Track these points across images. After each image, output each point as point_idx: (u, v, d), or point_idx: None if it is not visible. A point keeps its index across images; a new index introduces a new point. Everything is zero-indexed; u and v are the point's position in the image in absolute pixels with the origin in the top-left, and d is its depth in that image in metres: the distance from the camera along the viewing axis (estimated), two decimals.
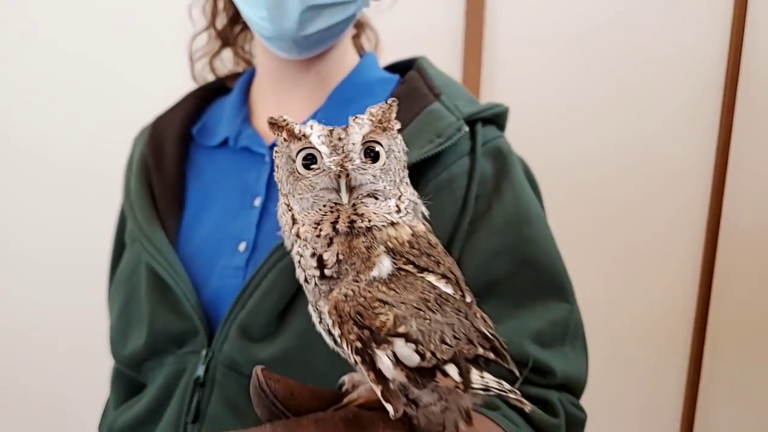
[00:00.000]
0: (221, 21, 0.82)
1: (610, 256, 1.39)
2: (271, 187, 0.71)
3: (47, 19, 1.34)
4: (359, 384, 0.44)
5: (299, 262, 0.42)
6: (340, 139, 0.41)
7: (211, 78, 0.88)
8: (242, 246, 0.69)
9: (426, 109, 0.67)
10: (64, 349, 1.45)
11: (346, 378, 0.45)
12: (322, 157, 0.41)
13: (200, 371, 0.65)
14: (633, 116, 1.32)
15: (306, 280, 0.42)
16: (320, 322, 0.42)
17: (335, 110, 0.72)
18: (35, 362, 1.48)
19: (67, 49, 1.34)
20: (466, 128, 0.66)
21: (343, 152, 0.40)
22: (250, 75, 0.83)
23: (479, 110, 0.69)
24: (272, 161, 0.72)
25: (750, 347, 1.40)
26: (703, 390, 1.43)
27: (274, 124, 0.43)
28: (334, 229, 0.40)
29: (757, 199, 1.32)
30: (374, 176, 0.41)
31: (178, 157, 0.78)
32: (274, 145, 0.73)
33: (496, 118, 0.72)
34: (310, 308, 0.44)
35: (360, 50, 0.84)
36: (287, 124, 0.43)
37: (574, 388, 0.67)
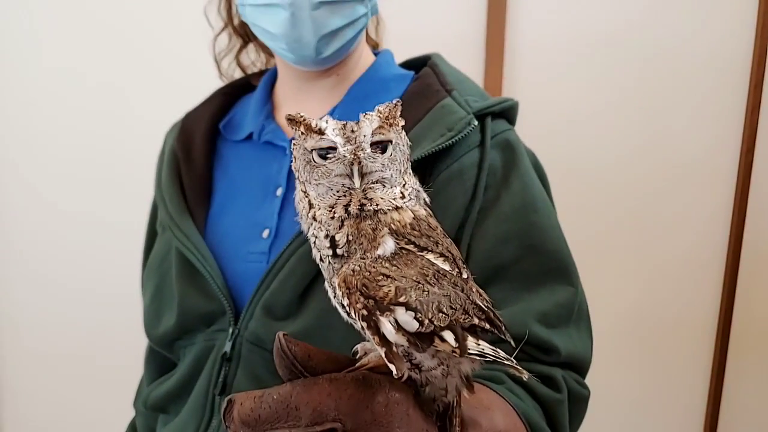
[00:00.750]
0: (238, 19, 0.87)
1: (632, 257, 1.38)
2: (291, 177, 0.76)
3: (83, 21, 1.40)
4: (370, 351, 0.49)
5: (314, 243, 0.47)
6: (352, 131, 0.46)
7: (239, 74, 0.93)
8: (265, 233, 0.74)
9: (438, 104, 0.72)
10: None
11: (359, 346, 0.50)
12: (336, 148, 0.45)
13: (227, 347, 0.70)
14: (655, 118, 1.32)
15: (321, 259, 0.47)
16: (334, 296, 0.47)
17: (352, 106, 0.77)
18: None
19: (98, 56, 1.40)
20: (476, 122, 0.70)
21: (355, 143, 0.45)
22: (273, 73, 0.88)
23: (489, 105, 0.73)
24: (292, 153, 0.78)
25: None
26: (727, 392, 1.42)
27: (292, 120, 0.48)
28: (347, 211, 0.45)
29: None
30: (382, 165, 0.46)
31: (207, 150, 0.84)
32: (294, 138, 0.78)
33: (506, 112, 0.76)
34: (326, 285, 0.48)
35: (372, 45, 0.89)
36: (304, 120, 0.48)
37: (579, 366, 0.70)
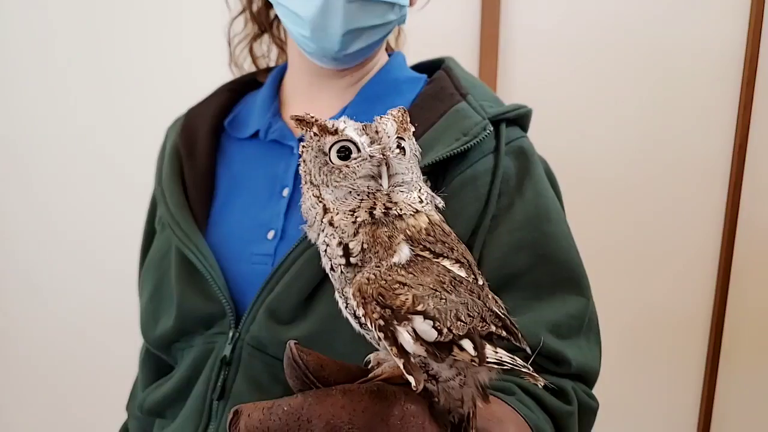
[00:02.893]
0: (257, 5, 0.85)
1: (626, 253, 1.39)
2: (298, 178, 0.74)
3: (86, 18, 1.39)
4: (383, 362, 0.47)
5: (325, 251, 0.45)
6: (377, 132, 0.44)
7: (248, 64, 0.91)
8: (270, 234, 0.72)
9: (453, 108, 0.70)
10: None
11: (372, 356, 0.48)
12: (359, 149, 0.44)
13: (227, 351, 0.68)
14: (649, 114, 1.33)
15: (332, 269, 0.45)
16: (346, 307, 0.45)
17: (363, 107, 0.75)
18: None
19: (93, 52, 1.38)
20: (491, 128, 0.69)
21: (381, 143, 0.43)
22: (281, 70, 0.86)
23: (504, 111, 0.72)
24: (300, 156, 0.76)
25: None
26: (720, 389, 1.43)
27: (301, 121, 0.46)
28: (371, 214, 0.43)
29: None
30: (406, 168, 0.45)
31: (210, 147, 0.82)
32: (302, 138, 0.76)
33: (520, 119, 0.75)
34: (336, 295, 0.47)
35: (387, 48, 0.87)
36: (316, 120, 0.46)
37: (588, 378, 0.69)
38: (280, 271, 0.67)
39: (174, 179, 0.79)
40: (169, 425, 0.75)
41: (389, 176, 0.43)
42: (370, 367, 0.48)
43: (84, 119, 1.42)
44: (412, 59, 0.86)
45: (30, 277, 1.50)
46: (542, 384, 0.44)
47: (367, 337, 0.46)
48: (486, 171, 0.68)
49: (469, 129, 0.68)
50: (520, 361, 0.44)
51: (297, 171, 0.75)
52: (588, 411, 0.68)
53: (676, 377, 1.45)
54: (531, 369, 0.44)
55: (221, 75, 0.92)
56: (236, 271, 0.72)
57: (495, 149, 0.70)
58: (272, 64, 0.93)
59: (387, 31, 0.73)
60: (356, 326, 0.46)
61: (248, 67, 0.93)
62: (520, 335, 0.45)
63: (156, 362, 0.84)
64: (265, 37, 0.90)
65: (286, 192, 0.74)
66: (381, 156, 0.43)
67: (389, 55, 0.83)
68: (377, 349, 0.48)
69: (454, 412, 0.47)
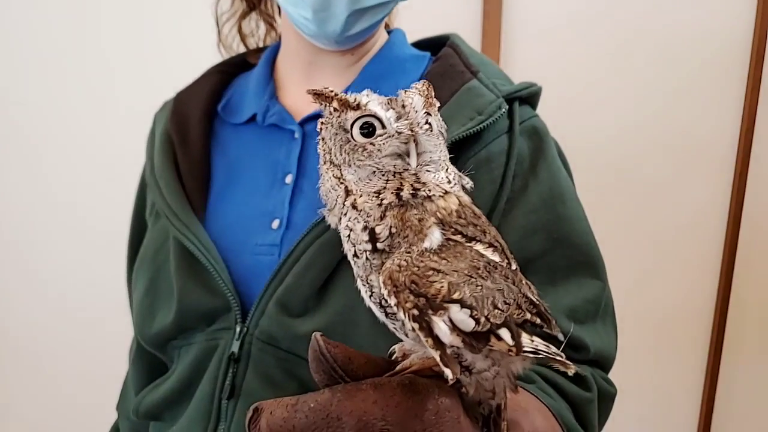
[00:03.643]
0: None
1: (627, 241, 1.38)
2: (302, 164, 0.71)
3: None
4: (409, 353, 0.45)
5: (348, 236, 0.42)
6: (403, 106, 0.41)
7: (236, 44, 0.87)
8: (275, 223, 0.69)
9: (464, 86, 0.67)
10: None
11: (396, 347, 0.46)
12: (385, 125, 0.41)
13: (235, 347, 0.65)
14: (654, 102, 1.32)
15: (356, 255, 0.42)
16: (371, 296, 0.42)
17: (366, 86, 0.71)
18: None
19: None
20: (506, 106, 0.66)
21: (409, 118, 0.40)
22: (274, 50, 0.82)
23: (517, 89, 0.69)
24: (303, 138, 0.73)
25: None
26: (722, 383, 1.44)
27: (320, 95, 0.43)
28: (398, 196, 0.40)
29: None
30: (434, 145, 0.42)
31: (204, 133, 0.78)
32: (304, 121, 0.73)
33: (530, 98, 0.72)
34: (359, 283, 0.44)
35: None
36: (336, 95, 0.43)
37: (605, 363, 0.68)
38: (290, 261, 0.63)
39: (168, 167, 0.75)
40: (168, 428, 0.71)
41: (417, 154, 0.40)
42: (394, 358, 0.46)
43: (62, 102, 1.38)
44: (410, 40, 0.83)
45: (28, 269, 1.47)
46: (572, 372, 0.43)
47: (390, 326, 0.44)
48: (500, 152, 0.66)
49: (483, 108, 0.65)
50: (554, 349, 0.42)
51: (300, 156, 0.71)
52: (607, 397, 0.66)
53: (679, 371, 1.46)
54: (564, 356, 0.42)
55: (209, 57, 0.88)
56: (239, 263, 0.68)
57: (509, 129, 0.67)
58: (261, 43, 0.89)
59: (389, 9, 0.69)
60: (381, 316, 0.43)
61: (237, 48, 0.89)
62: (554, 322, 0.43)
63: (149, 361, 0.80)
64: (253, 14, 0.86)
65: (289, 179, 0.70)
66: (409, 132, 0.40)
67: (388, 33, 0.79)
68: (398, 340, 0.46)
69: (484, 404, 0.44)
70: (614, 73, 1.31)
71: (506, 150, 0.66)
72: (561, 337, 0.45)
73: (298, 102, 0.76)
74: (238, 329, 0.66)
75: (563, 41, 1.30)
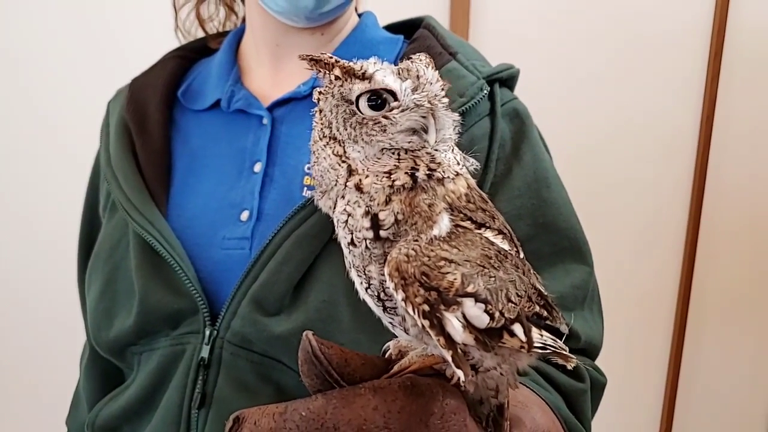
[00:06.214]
0: None
1: (592, 226, 1.39)
2: (272, 151, 0.66)
3: None
4: (406, 350, 0.41)
5: (346, 222, 0.38)
6: (418, 77, 0.37)
7: (194, 29, 0.82)
8: (245, 215, 0.64)
9: (444, 68, 0.64)
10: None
11: (391, 344, 0.42)
12: (398, 97, 0.36)
13: (204, 352, 0.60)
14: (620, 90, 1.33)
15: (352, 243, 0.38)
16: (367, 288, 0.38)
17: None
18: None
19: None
20: (488, 88, 0.64)
21: (425, 90, 0.36)
22: (237, 34, 0.77)
23: (497, 70, 0.67)
24: (272, 124, 0.68)
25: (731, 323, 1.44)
26: (685, 367, 1.47)
27: (318, 62, 0.38)
28: (412, 177, 0.36)
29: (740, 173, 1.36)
30: (449, 123, 0.39)
31: (163, 121, 0.72)
32: (273, 106, 0.68)
33: (508, 81, 0.70)
34: (353, 274, 0.39)
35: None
36: (338, 61, 0.38)
37: (592, 351, 0.66)
38: (265, 255, 0.58)
39: (125, 157, 0.69)
40: None
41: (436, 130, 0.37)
42: (388, 355, 0.42)
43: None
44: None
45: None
46: (573, 365, 0.40)
47: (386, 321, 0.40)
48: (483, 135, 0.63)
49: (464, 89, 0.62)
50: (560, 344, 0.40)
51: (270, 143, 0.67)
52: (598, 387, 0.65)
53: (644, 352, 1.48)
54: (568, 350, 0.40)
55: (166, 43, 0.82)
56: (207, 259, 0.63)
57: (490, 111, 0.64)
58: (222, 28, 0.84)
59: None
60: (377, 310, 0.39)
61: (196, 33, 0.83)
62: (560, 314, 0.40)
63: (104, 369, 0.73)
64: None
65: (258, 167, 0.65)
66: (429, 105, 0.36)
67: (359, 16, 0.75)
68: (384, 336, 0.42)
69: (486, 403, 0.41)
70: (579, 63, 1.32)
71: (489, 133, 0.63)
72: (564, 329, 0.42)
73: (264, 87, 0.71)
74: (207, 332, 0.60)
75: (531, 28, 1.29)
